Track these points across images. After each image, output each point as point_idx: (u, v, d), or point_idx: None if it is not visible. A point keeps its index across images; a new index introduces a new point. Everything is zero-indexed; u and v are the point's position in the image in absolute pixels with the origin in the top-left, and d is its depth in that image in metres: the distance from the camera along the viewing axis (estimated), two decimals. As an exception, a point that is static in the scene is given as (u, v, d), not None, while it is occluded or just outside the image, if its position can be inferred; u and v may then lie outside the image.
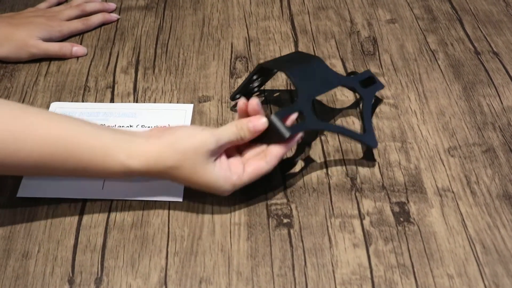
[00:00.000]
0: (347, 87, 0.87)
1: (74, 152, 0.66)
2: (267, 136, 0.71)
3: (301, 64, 0.80)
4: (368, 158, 0.79)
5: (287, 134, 0.70)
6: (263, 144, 0.72)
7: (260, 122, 0.70)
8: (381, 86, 0.85)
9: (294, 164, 0.78)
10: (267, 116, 0.71)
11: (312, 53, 0.95)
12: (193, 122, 0.84)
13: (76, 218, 0.73)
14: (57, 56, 0.96)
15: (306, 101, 0.75)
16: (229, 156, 0.72)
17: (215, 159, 0.69)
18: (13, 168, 0.67)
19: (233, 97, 0.86)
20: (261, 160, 0.71)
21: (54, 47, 0.95)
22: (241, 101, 0.72)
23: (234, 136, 0.70)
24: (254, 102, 0.71)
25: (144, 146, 0.68)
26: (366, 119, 0.80)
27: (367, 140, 0.78)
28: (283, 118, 0.71)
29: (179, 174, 0.68)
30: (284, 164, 0.78)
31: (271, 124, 0.71)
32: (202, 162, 0.67)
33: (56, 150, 0.66)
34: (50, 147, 0.65)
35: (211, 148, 0.67)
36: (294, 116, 0.72)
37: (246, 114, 0.72)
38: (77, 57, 0.96)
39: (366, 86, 0.84)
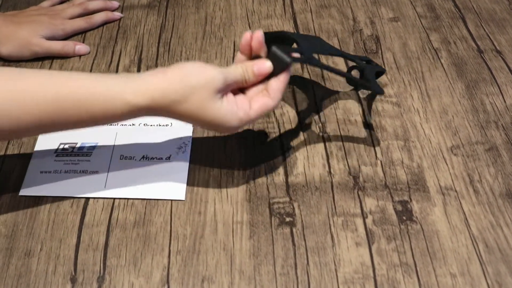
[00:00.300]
0: (347, 59, 0.87)
1: (79, 104, 0.65)
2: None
3: (302, 34, 0.82)
4: (370, 156, 0.79)
5: (288, 59, 0.70)
6: (264, 81, 0.72)
7: (265, 66, 0.70)
8: (383, 69, 0.87)
9: (296, 162, 0.78)
10: (267, 51, 0.72)
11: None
12: (195, 120, 0.84)
13: (78, 216, 0.73)
14: (60, 55, 0.96)
15: (307, 49, 0.76)
16: (234, 93, 0.71)
17: (222, 96, 0.68)
18: (18, 131, 0.67)
19: None
20: (266, 96, 0.71)
21: (57, 46, 0.95)
22: (247, 33, 0.72)
23: (240, 77, 0.70)
24: (259, 34, 0.71)
25: (149, 82, 0.67)
26: (372, 80, 0.81)
27: (373, 87, 0.80)
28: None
29: (185, 110, 0.67)
30: (287, 162, 0.78)
31: (271, 55, 0.71)
32: (209, 98, 0.67)
33: (61, 107, 0.65)
34: (53, 105, 0.65)
35: (219, 86, 0.67)
36: (295, 55, 0.73)
37: (248, 48, 0.73)
38: (80, 56, 0.96)
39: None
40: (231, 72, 0.70)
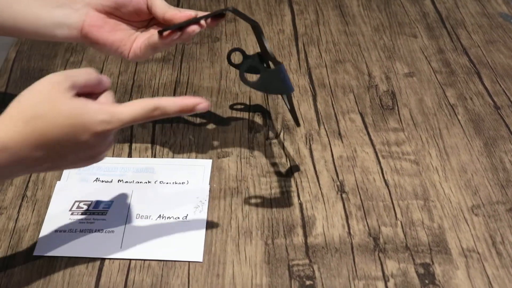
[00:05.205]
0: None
1: None
2: None
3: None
4: (390, 216, 0.78)
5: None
6: None
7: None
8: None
9: (315, 223, 0.77)
10: None
11: (331, 108, 0.94)
12: (212, 178, 0.83)
13: (94, 278, 0.71)
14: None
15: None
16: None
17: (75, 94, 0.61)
18: None
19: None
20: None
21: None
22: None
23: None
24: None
25: None
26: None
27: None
28: None
29: (40, 128, 0.59)
30: (305, 222, 0.77)
31: None
32: (58, 97, 0.60)
33: None
34: None
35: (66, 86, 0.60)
36: None
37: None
38: None
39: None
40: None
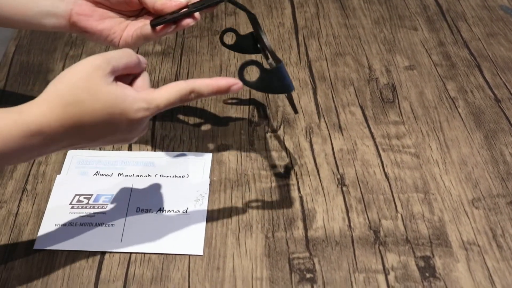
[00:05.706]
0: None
1: None
2: None
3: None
4: (391, 209, 0.78)
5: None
6: None
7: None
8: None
9: (315, 216, 0.77)
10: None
11: (331, 101, 0.94)
12: (212, 171, 0.83)
13: (94, 271, 0.71)
14: None
15: None
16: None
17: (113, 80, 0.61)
18: None
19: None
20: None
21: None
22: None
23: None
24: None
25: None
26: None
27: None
28: None
29: (79, 113, 0.59)
30: (306, 216, 0.77)
31: None
32: (97, 83, 0.60)
33: None
34: None
35: (106, 70, 0.61)
36: None
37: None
38: None
39: None
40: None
